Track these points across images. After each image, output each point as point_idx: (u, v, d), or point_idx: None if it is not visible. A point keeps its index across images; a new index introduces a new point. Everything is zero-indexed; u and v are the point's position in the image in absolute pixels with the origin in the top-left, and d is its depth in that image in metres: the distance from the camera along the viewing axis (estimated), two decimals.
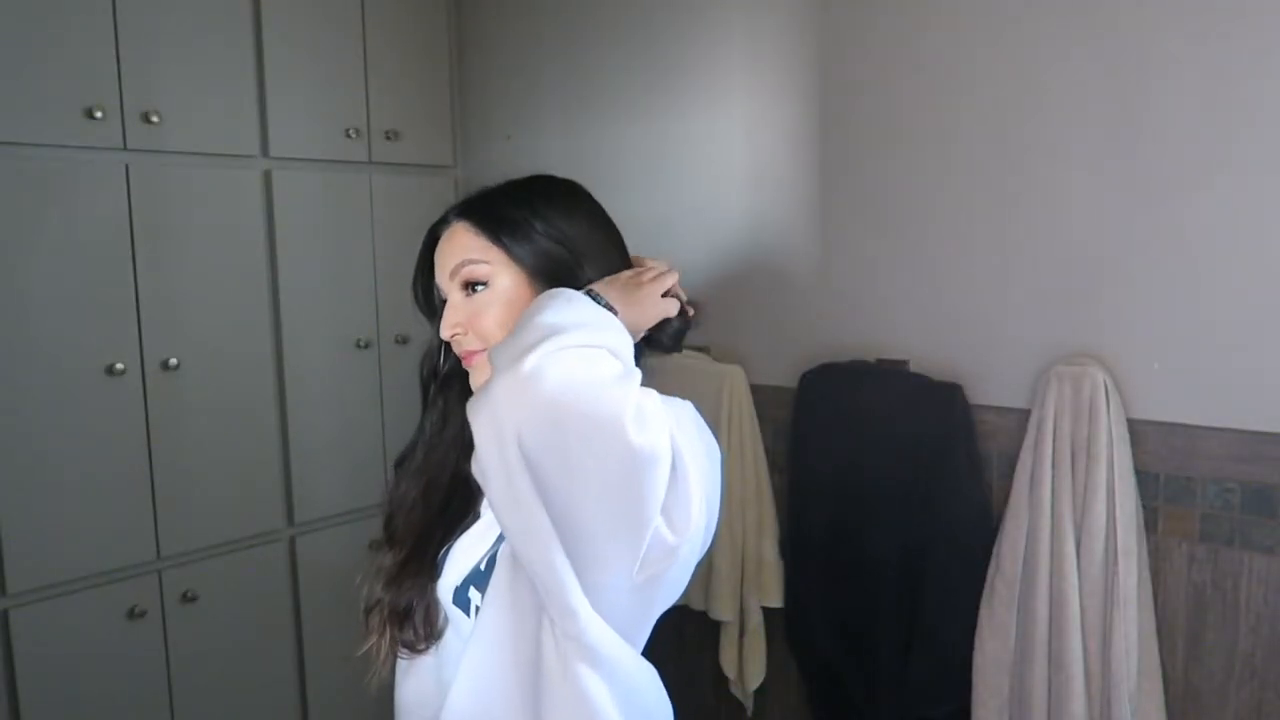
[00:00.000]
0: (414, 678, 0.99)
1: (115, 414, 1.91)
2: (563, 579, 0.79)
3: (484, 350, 0.92)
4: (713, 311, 2.08)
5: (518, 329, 0.82)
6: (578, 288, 0.91)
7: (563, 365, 0.77)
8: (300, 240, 2.19)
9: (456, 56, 2.55)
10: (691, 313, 1.02)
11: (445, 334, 0.95)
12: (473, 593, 0.94)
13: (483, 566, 0.94)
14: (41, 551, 1.82)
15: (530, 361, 0.76)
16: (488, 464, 0.78)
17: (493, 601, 0.88)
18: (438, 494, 1.01)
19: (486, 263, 0.94)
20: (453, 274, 0.95)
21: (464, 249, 0.95)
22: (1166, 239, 1.49)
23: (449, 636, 0.97)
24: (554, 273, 0.94)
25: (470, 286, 0.94)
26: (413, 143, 2.41)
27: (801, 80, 1.91)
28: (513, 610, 0.86)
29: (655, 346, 1.00)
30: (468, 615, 0.94)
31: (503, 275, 0.94)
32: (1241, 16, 1.40)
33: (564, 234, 0.95)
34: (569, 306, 0.84)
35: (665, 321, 0.97)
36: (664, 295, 0.97)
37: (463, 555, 0.97)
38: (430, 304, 1.03)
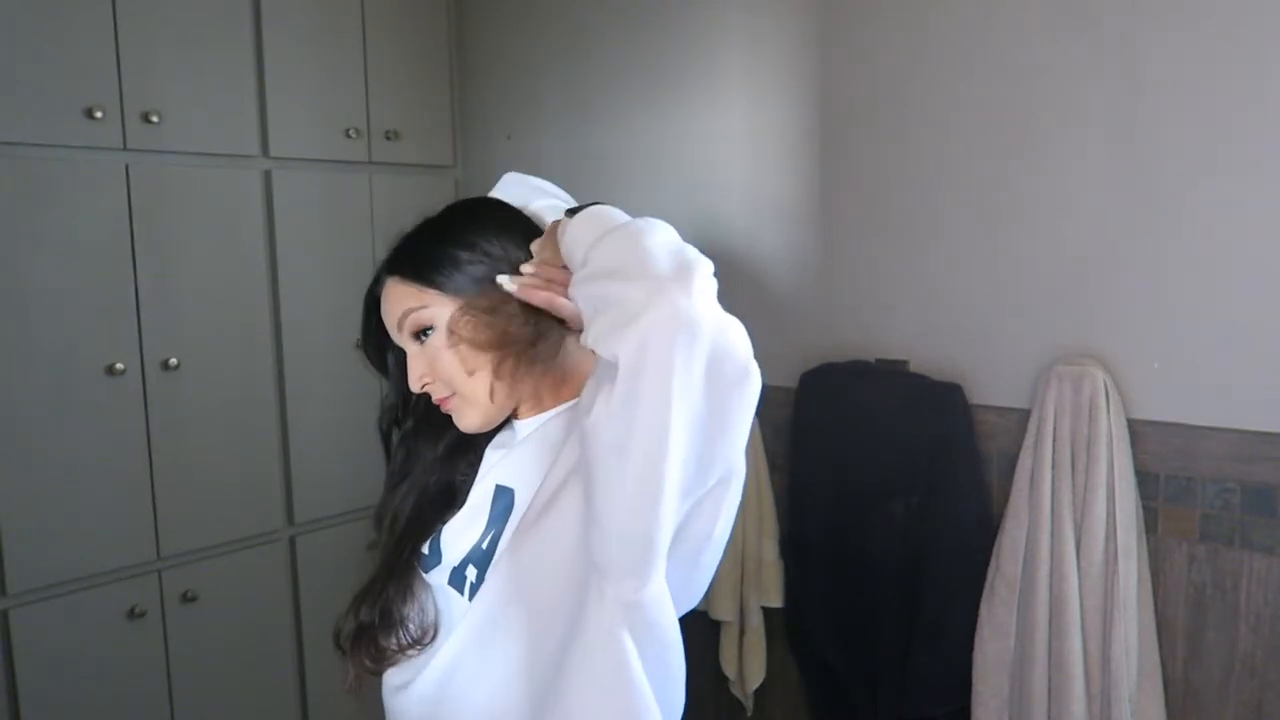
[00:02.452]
0: (402, 673, 0.98)
1: (115, 414, 1.91)
2: (654, 535, 0.77)
3: (453, 395, 0.94)
4: None
5: (634, 243, 0.78)
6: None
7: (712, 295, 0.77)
8: (300, 240, 2.19)
9: (456, 56, 2.55)
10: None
11: (415, 387, 0.94)
12: (470, 570, 0.94)
13: (484, 545, 0.94)
14: (41, 551, 1.82)
15: (698, 286, 0.74)
16: (665, 383, 0.72)
17: (507, 576, 0.88)
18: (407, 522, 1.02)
19: (425, 306, 0.93)
20: (400, 328, 0.94)
21: (401, 300, 0.94)
22: (1166, 239, 1.49)
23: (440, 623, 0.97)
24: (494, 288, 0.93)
25: (419, 335, 0.93)
26: (413, 143, 2.41)
27: (801, 80, 1.91)
28: (541, 581, 0.86)
29: None
30: (462, 594, 0.94)
31: (444, 313, 0.92)
32: (1241, 17, 1.40)
33: (487, 250, 0.94)
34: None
35: None
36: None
37: (458, 538, 0.97)
38: (382, 362, 1.03)
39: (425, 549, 0.99)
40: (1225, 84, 1.43)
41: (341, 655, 0.99)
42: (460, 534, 0.96)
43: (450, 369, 0.92)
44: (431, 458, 1.02)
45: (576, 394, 0.93)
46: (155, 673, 1.99)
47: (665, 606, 0.82)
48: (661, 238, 0.80)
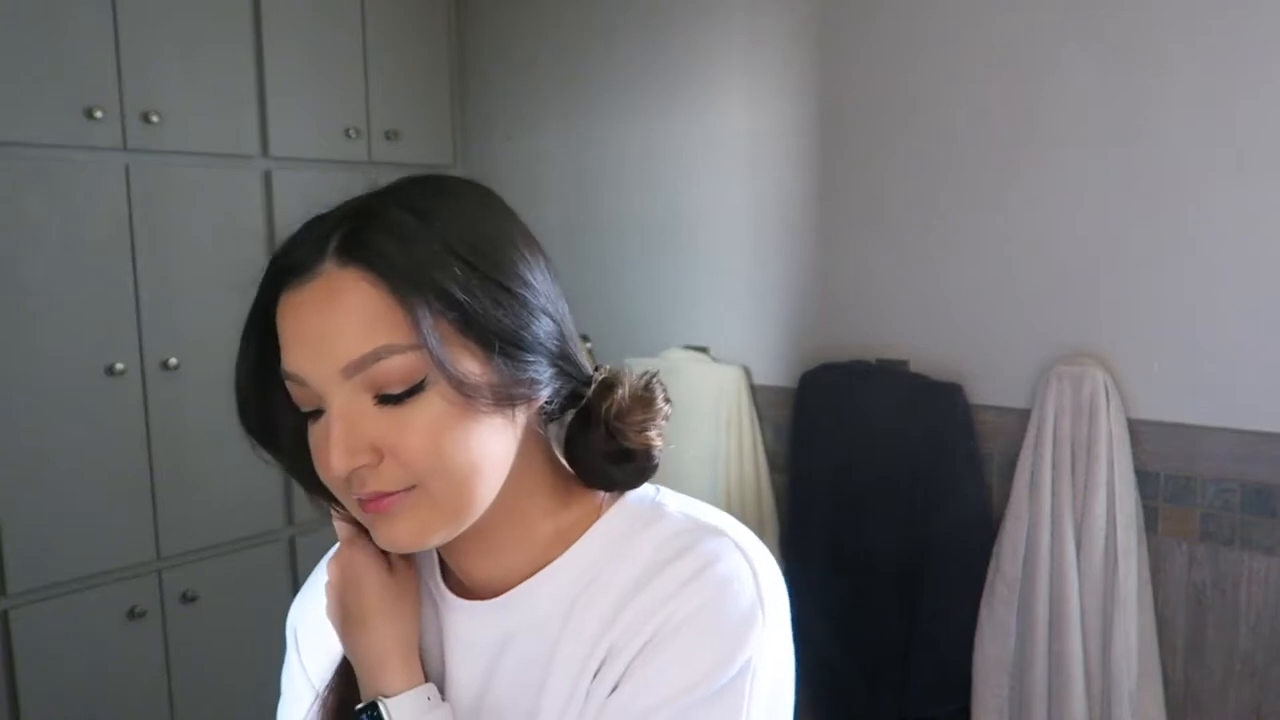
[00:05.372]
0: None
1: (115, 414, 1.91)
2: None
3: (409, 489, 0.58)
4: (713, 311, 2.08)
5: None
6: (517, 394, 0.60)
7: None
8: None
9: (456, 56, 2.54)
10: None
11: (341, 467, 0.57)
12: None
13: None
14: (41, 551, 1.82)
15: None
16: None
17: None
18: None
19: (413, 347, 0.56)
20: (351, 370, 0.57)
21: (370, 328, 0.56)
22: (1166, 239, 1.49)
23: None
24: (502, 376, 0.59)
25: (390, 393, 0.57)
26: (413, 143, 2.41)
27: (801, 80, 1.91)
28: None
29: (599, 485, 0.68)
30: None
31: (436, 374, 0.57)
32: (1241, 17, 1.40)
33: (529, 281, 0.61)
34: None
35: (620, 457, 0.66)
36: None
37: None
38: (272, 427, 0.66)
39: None
40: (1226, 84, 1.43)
41: None
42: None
43: (442, 449, 0.57)
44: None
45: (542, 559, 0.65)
46: (155, 673, 1.99)
47: None
48: None
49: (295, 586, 2.22)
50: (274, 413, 0.65)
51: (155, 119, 1.92)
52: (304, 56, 2.17)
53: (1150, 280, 1.51)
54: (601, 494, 0.67)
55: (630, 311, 2.20)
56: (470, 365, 0.58)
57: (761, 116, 1.98)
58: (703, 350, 2.07)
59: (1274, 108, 1.39)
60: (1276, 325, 1.41)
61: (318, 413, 0.59)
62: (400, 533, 0.59)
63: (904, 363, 1.80)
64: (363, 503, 0.59)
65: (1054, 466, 1.55)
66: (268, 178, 2.13)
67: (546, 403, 0.63)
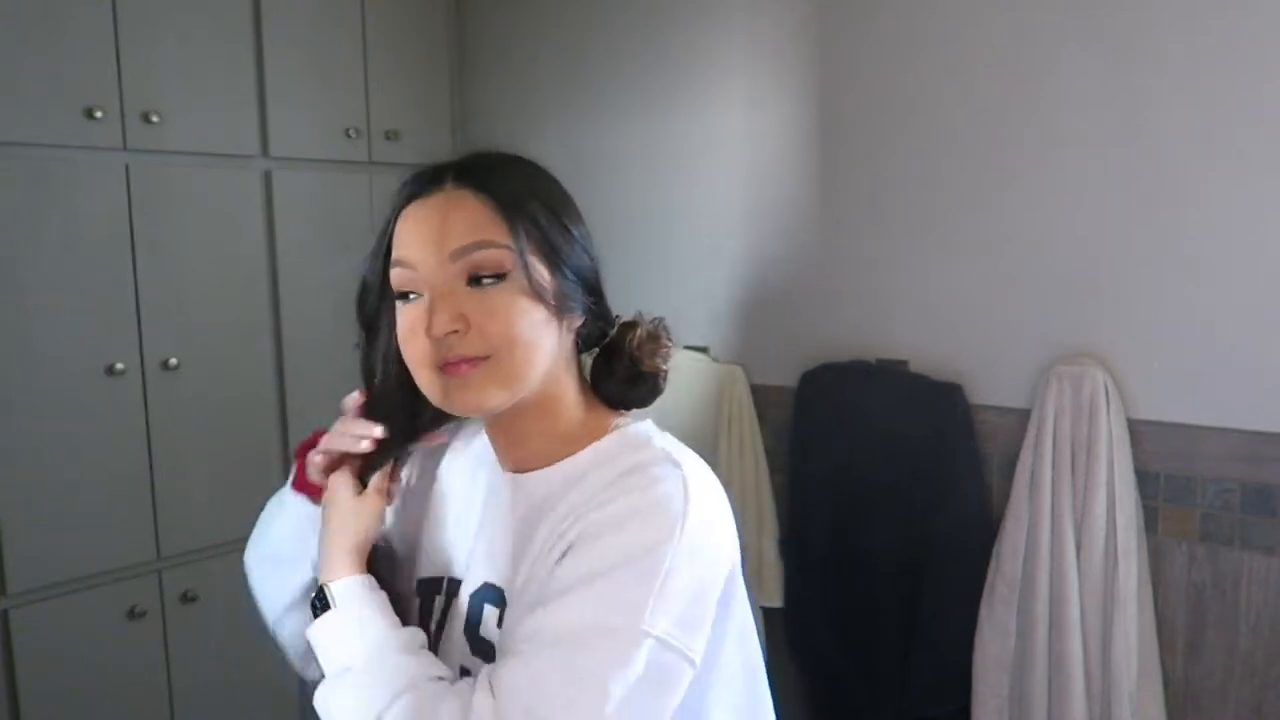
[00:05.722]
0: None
1: (115, 414, 1.91)
2: None
3: (486, 359, 0.75)
4: (713, 311, 2.08)
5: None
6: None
7: None
8: (300, 240, 2.19)
9: (456, 56, 2.55)
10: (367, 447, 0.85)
11: (441, 327, 0.74)
12: (487, 613, 0.81)
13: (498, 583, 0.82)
14: (41, 551, 1.82)
15: None
16: None
17: None
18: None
19: (505, 247, 0.75)
20: (458, 255, 0.75)
21: (477, 225, 0.76)
22: (1166, 239, 1.49)
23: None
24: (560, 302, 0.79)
25: (479, 276, 0.75)
26: (413, 143, 2.41)
27: (801, 80, 1.91)
28: None
29: (619, 405, 0.88)
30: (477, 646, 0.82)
31: (518, 271, 0.76)
32: (1241, 17, 1.40)
33: (578, 239, 0.82)
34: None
35: (636, 380, 0.85)
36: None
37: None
38: (378, 299, 0.85)
39: None
40: (1226, 84, 1.43)
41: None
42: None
43: (514, 328, 0.75)
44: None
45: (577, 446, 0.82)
46: (155, 673, 1.99)
47: None
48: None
49: None
50: (380, 305, 0.85)
51: (155, 119, 1.92)
52: (304, 56, 2.17)
53: (1150, 280, 1.51)
54: (612, 420, 0.84)
55: (630, 311, 2.20)
56: (541, 271, 0.77)
57: (761, 116, 1.98)
58: (703, 350, 2.07)
59: (1274, 107, 1.39)
60: (1276, 325, 1.41)
61: (408, 298, 0.78)
62: (470, 396, 0.76)
63: (904, 363, 1.80)
64: (447, 369, 0.75)
65: (1054, 466, 1.55)
66: (268, 178, 2.13)
67: (581, 327, 0.83)
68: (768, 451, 2.00)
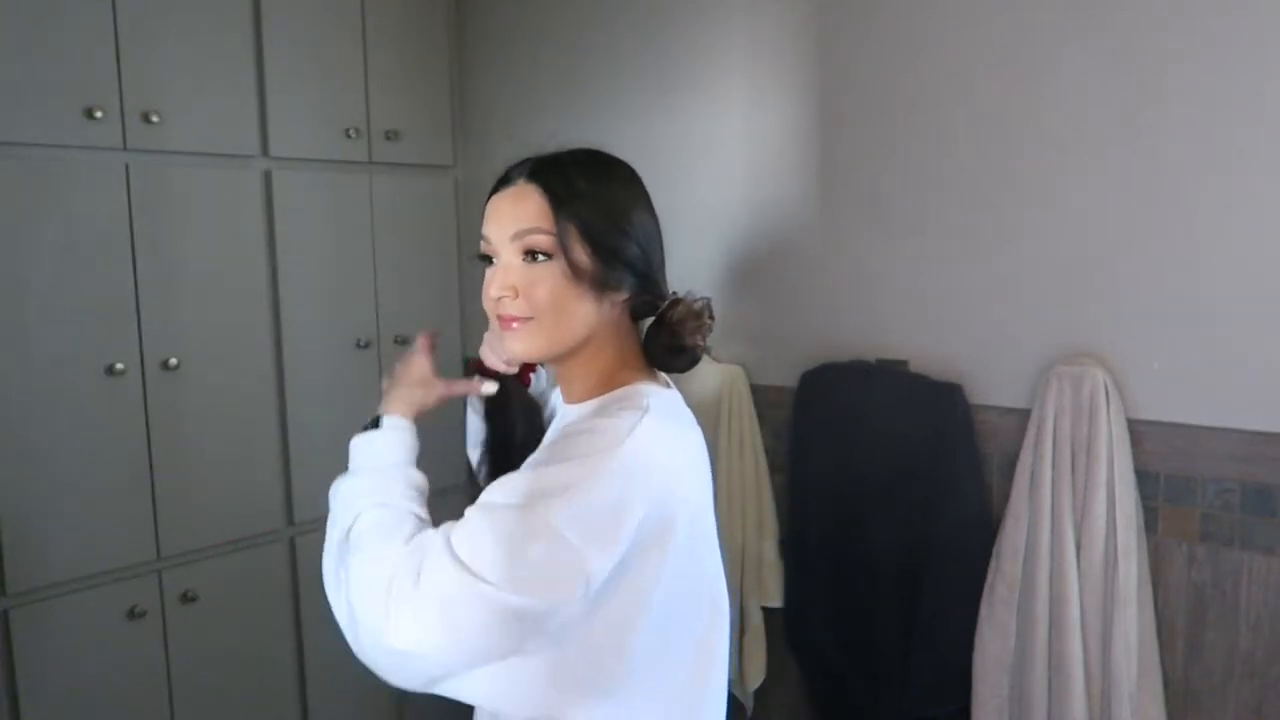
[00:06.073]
0: None
1: (115, 414, 1.91)
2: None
3: (528, 319, 0.95)
4: (713, 311, 2.07)
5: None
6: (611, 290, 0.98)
7: (342, 583, 0.89)
8: (300, 240, 2.19)
9: (456, 56, 2.55)
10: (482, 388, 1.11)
11: (494, 293, 0.95)
12: None
13: None
14: (41, 551, 1.82)
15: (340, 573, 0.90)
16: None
17: None
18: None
19: (552, 234, 0.94)
20: (516, 236, 0.95)
21: (531, 214, 0.95)
22: (1167, 239, 1.49)
23: None
24: (598, 278, 0.96)
25: (531, 254, 0.94)
26: (413, 143, 2.41)
27: (801, 80, 1.91)
28: None
29: (665, 369, 1.04)
30: None
31: (559, 255, 0.94)
32: (1241, 17, 1.40)
33: (630, 232, 0.98)
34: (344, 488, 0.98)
35: (676, 350, 1.02)
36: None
37: None
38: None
39: None
40: (1227, 83, 1.43)
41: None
42: None
43: (545, 297, 0.94)
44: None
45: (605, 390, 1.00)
46: (155, 673, 1.99)
47: None
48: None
49: (295, 586, 2.23)
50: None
51: (155, 119, 1.92)
52: (304, 56, 2.17)
53: (1150, 280, 1.51)
54: (642, 378, 1.00)
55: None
56: (580, 257, 0.94)
57: (761, 116, 1.98)
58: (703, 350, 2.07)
59: (1274, 107, 1.39)
60: (1276, 325, 1.41)
61: (490, 262, 0.98)
62: (517, 345, 0.96)
63: (904, 363, 1.80)
64: (501, 320, 0.96)
65: (1054, 466, 1.55)
66: (268, 178, 2.13)
67: (629, 300, 0.99)
68: (768, 451, 2.00)
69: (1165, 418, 1.51)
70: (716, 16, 2.02)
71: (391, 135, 2.35)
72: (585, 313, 0.96)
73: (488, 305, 0.98)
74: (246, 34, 2.08)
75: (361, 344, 2.28)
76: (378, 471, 0.97)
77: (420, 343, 1.14)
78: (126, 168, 1.90)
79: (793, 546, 1.95)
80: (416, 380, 1.08)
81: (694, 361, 1.04)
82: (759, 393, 2.01)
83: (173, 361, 1.98)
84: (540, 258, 0.94)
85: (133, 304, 1.92)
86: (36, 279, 1.80)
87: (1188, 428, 1.49)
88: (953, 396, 1.69)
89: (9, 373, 1.77)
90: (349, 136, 2.26)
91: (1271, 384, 1.42)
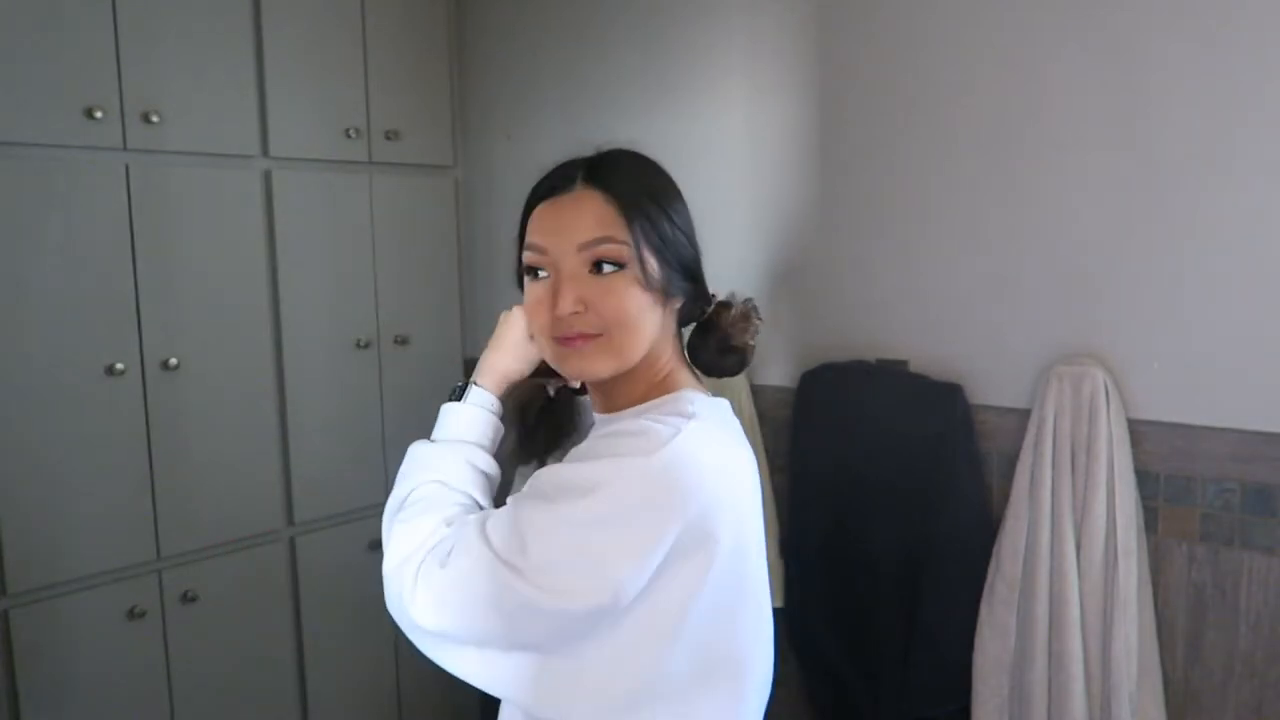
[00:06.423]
0: None
1: (115, 414, 1.91)
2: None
3: (599, 336, 0.89)
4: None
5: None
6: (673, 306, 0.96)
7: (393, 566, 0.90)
8: (300, 240, 2.19)
9: (456, 56, 2.55)
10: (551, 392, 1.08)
11: (567, 307, 0.88)
12: None
13: None
14: (41, 551, 1.82)
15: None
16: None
17: None
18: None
19: (624, 243, 0.89)
20: (584, 246, 0.89)
21: (601, 221, 0.89)
22: (1166, 239, 1.49)
23: None
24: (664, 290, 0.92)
25: (600, 265, 0.89)
26: (413, 143, 2.41)
27: (801, 80, 1.91)
28: None
29: (712, 373, 1.03)
30: None
31: (633, 264, 0.89)
32: (1242, 17, 1.40)
33: (689, 236, 0.96)
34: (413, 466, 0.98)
35: (727, 352, 1.01)
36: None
37: None
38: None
39: None
40: (1226, 84, 1.42)
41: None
42: None
43: (617, 311, 0.88)
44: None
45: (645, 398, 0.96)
46: (155, 673, 1.99)
47: None
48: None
49: (295, 586, 2.23)
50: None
51: (155, 119, 1.92)
52: (304, 56, 2.17)
53: (1150, 280, 1.51)
54: (687, 386, 0.96)
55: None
56: (652, 263, 0.90)
57: (761, 116, 1.98)
58: None
59: (1274, 107, 1.39)
60: (1276, 325, 1.41)
61: (537, 275, 0.92)
62: (585, 365, 0.91)
63: (904, 363, 1.80)
64: (564, 340, 0.90)
65: (1054, 466, 1.55)
66: (268, 178, 2.13)
67: (681, 306, 0.96)
68: (768, 451, 2.00)
69: (1165, 418, 1.51)
70: (716, 16, 2.02)
71: (391, 135, 2.35)
72: (653, 323, 0.92)
73: (543, 322, 0.92)
74: (246, 34, 2.08)
75: (361, 344, 2.28)
76: (448, 447, 0.96)
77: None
78: (126, 168, 1.90)
79: (793, 546, 1.94)
80: (513, 342, 1.00)
81: (743, 364, 1.02)
82: (759, 393, 2.01)
83: (173, 361, 1.98)
84: (608, 268, 0.88)
85: (133, 304, 1.92)
86: (36, 279, 1.80)
87: (1188, 428, 1.49)
88: (953, 396, 1.69)
89: (9, 373, 1.77)
90: (349, 136, 2.26)
91: (1271, 384, 1.42)
